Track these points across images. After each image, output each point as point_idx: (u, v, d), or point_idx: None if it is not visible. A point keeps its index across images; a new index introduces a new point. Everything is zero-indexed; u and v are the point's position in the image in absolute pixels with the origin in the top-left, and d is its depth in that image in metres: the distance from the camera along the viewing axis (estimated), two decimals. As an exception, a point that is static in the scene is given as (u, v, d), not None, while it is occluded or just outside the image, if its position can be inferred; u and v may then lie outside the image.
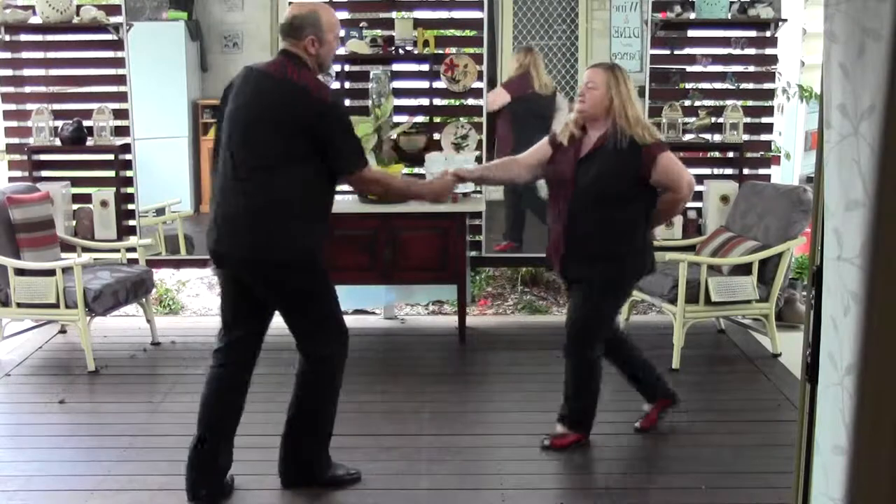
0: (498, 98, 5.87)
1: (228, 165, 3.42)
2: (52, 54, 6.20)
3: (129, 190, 5.95)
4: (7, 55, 5.92)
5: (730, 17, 5.82)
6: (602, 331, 3.98)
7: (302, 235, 3.45)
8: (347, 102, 5.91)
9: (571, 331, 3.95)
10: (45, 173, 5.99)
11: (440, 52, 5.87)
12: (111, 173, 6.01)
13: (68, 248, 5.64)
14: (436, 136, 5.89)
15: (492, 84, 5.92)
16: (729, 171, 6.06)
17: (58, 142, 5.93)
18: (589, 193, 3.77)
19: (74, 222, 5.96)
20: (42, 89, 6.11)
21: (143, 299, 5.46)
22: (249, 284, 3.51)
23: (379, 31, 5.83)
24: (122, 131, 5.93)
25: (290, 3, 5.77)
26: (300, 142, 3.36)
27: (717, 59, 5.97)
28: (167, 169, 6.33)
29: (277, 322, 6.70)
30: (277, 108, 3.37)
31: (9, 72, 5.98)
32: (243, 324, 3.61)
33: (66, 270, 4.99)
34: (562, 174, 3.86)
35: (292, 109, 3.36)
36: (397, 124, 5.70)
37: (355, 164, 3.47)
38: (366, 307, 6.23)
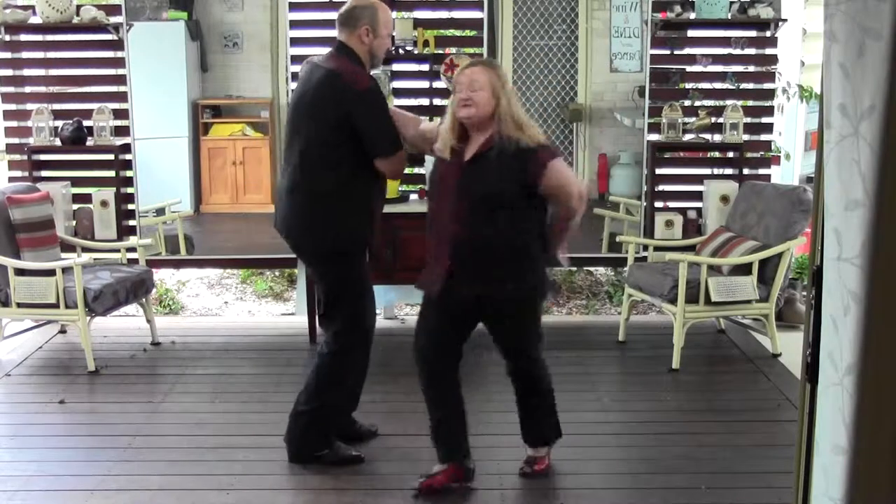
0: None
1: (284, 154, 3.73)
2: (52, 54, 6.20)
3: (129, 190, 5.95)
4: (7, 55, 5.92)
5: (730, 17, 5.82)
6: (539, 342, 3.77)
7: (330, 226, 3.62)
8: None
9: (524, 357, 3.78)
10: (45, 173, 5.99)
11: (440, 52, 5.87)
12: (111, 173, 6.00)
13: (68, 248, 5.63)
14: (436, 136, 5.89)
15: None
16: (729, 171, 6.06)
17: (58, 142, 5.93)
18: (483, 202, 3.37)
19: (74, 222, 5.96)
20: (42, 89, 6.11)
21: (143, 299, 5.45)
22: None
23: (379, 31, 5.83)
24: (122, 131, 5.93)
25: (290, 4, 5.81)
26: (335, 128, 3.52)
27: (717, 59, 5.97)
28: (167, 169, 6.33)
29: (276, 322, 6.69)
30: (315, 95, 3.56)
31: (9, 72, 5.98)
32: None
33: (66, 270, 4.99)
34: (448, 178, 3.49)
35: (325, 95, 3.53)
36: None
37: (384, 150, 3.57)
38: (366, 307, 6.22)
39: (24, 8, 5.85)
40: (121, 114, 5.96)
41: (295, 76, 5.70)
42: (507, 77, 3.46)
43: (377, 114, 3.57)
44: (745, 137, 5.91)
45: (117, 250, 5.72)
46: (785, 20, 5.83)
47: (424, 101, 6.04)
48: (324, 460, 3.82)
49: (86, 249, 5.65)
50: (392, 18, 3.75)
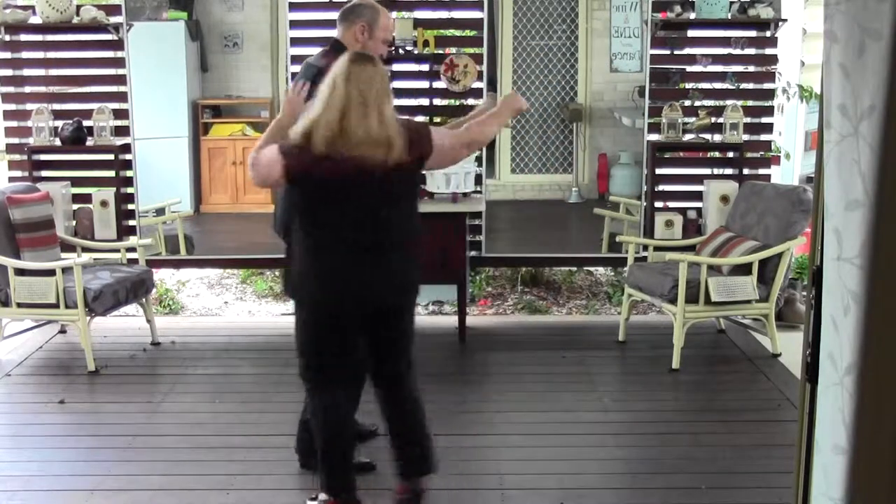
0: None
1: None
2: (52, 54, 6.19)
3: (129, 190, 5.94)
4: (7, 55, 5.92)
5: (730, 17, 5.82)
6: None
7: None
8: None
9: None
10: (45, 173, 5.98)
11: (440, 52, 5.87)
12: (111, 173, 6.00)
13: (68, 248, 5.63)
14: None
15: (491, 84, 5.92)
16: (729, 171, 6.05)
17: (58, 142, 5.93)
18: None
19: (74, 222, 5.96)
20: (42, 89, 6.11)
21: (143, 299, 5.45)
22: None
23: (379, 31, 5.83)
24: (122, 131, 5.93)
25: (290, 4, 5.81)
26: None
27: (717, 59, 5.96)
28: (167, 169, 6.33)
29: (276, 322, 6.68)
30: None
31: (9, 72, 5.97)
32: None
33: (66, 270, 4.99)
34: None
35: (313, 92, 3.46)
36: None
37: None
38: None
39: (24, 8, 5.85)
40: (121, 114, 5.96)
41: (295, 76, 5.70)
42: (352, 69, 3.13)
43: None
44: (745, 137, 5.91)
45: (117, 250, 5.72)
46: (785, 20, 5.83)
47: (424, 101, 6.03)
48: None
49: (86, 249, 5.65)
50: (393, 25, 3.74)
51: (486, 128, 3.45)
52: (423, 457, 3.49)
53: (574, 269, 7.06)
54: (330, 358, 3.41)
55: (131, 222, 5.99)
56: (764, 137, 6.07)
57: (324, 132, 3.10)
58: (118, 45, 5.81)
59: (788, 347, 5.06)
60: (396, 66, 5.95)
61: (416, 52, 5.84)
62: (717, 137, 5.93)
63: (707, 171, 6.18)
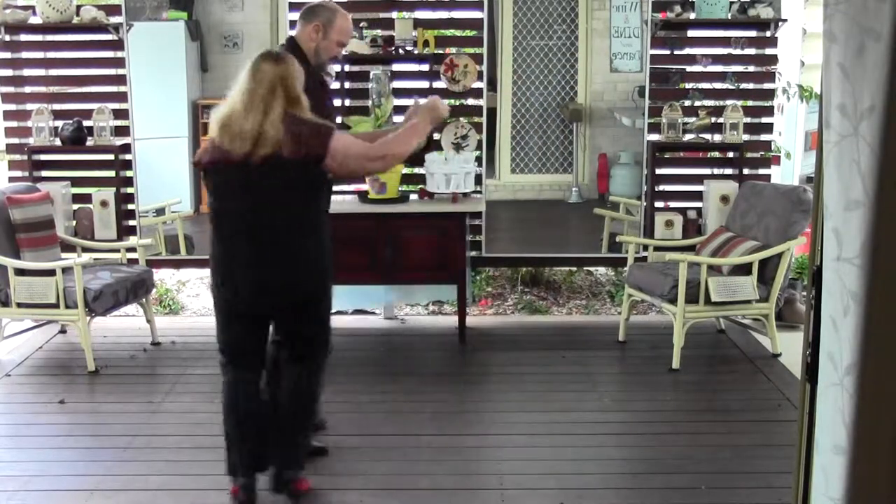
0: None
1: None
2: (52, 54, 6.19)
3: (129, 190, 5.95)
4: (7, 55, 5.92)
5: (730, 17, 5.82)
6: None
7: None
8: (347, 102, 5.92)
9: None
10: (45, 173, 5.98)
11: (440, 52, 5.87)
12: (111, 173, 6.00)
13: (68, 248, 5.63)
14: (436, 136, 5.88)
15: (491, 84, 5.92)
16: (729, 171, 6.06)
17: (58, 142, 5.93)
18: None
19: (74, 222, 5.96)
20: (42, 89, 6.11)
21: (143, 299, 5.45)
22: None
23: (379, 31, 5.83)
24: (122, 131, 5.93)
25: (290, 4, 5.81)
26: None
27: (717, 59, 5.97)
28: (167, 169, 6.33)
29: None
30: None
31: (9, 72, 5.97)
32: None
33: (66, 270, 4.99)
34: None
35: None
36: (397, 125, 5.68)
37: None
38: (366, 307, 6.23)
39: (24, 8, 5.85)
40: (121, 114, 5.96)
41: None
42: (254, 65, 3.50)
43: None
44: (745, 137, 5.91)
45: (117, 250, 5.72)
46: (785, 20, 5.83)
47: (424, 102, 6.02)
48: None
49: (86, 249, 5.65)
50: (350, 30, 3.81)
51: (402, 141, 3.46)
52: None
53: (574, 269, 7.06)
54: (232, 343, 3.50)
55: (131, 222, 5.99)
56: (764, 137, 6.07)
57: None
58: (118, 45, 5.81)
59: (788, 347, 5.07)
60: (396, 66, 5.95)
61: (416, 52, 5.84)
62: (717, 137, 5.93)
63: (707, 171, 6.18)
